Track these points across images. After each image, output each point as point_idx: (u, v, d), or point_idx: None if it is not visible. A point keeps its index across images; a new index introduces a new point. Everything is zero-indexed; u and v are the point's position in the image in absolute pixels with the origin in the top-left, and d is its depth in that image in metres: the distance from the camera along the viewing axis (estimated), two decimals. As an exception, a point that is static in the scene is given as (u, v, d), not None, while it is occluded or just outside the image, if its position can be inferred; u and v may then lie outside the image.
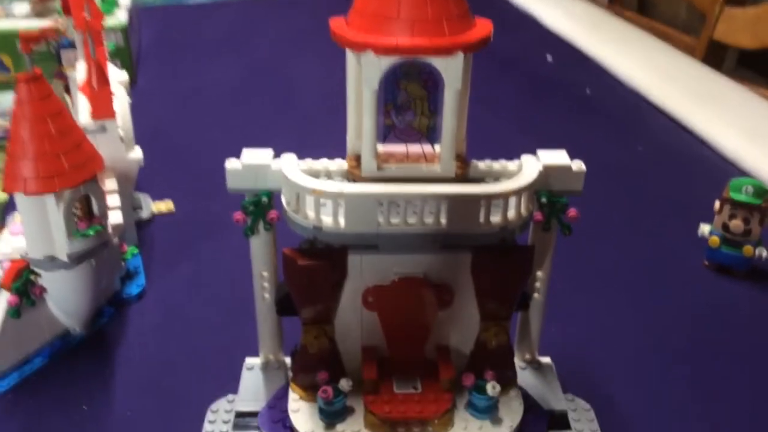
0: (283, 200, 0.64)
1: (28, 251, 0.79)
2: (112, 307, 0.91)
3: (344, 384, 0.66)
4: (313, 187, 0.61)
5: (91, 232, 0.79)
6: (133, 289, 0.93)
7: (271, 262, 0.70)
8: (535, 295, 0.74)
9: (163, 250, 1.03)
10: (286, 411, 0.69)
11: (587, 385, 0.80)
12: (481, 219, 0.61)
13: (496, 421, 0.67)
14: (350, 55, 0.61)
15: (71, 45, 1.15)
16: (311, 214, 0.62)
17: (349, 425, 0.67)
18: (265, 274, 0.71)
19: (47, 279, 0.80)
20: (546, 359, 0.79)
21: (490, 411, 0.67)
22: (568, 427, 0.72)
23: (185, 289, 0.95)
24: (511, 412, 0.68)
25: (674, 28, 2.04)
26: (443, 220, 0.61)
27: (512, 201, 0.63)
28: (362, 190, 0.60)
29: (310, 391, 0.68)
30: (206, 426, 0.72)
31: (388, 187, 0.61)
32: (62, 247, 0.78)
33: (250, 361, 0.78)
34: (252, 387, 0.75)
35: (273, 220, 0.66)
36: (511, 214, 0.63)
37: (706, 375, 0.84)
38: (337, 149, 0.68)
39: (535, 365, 0.78)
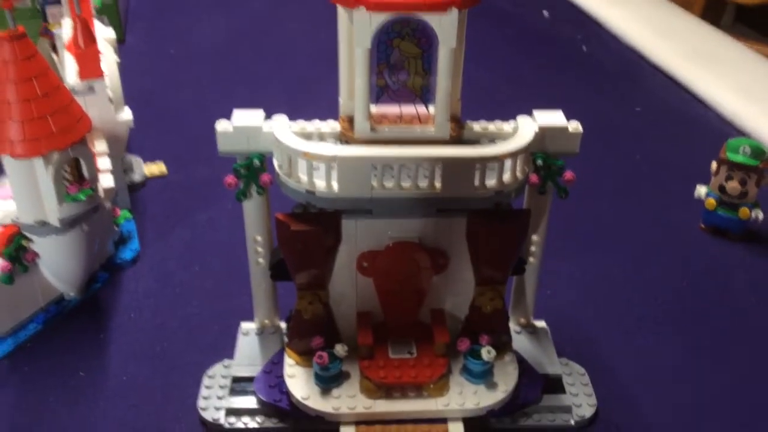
0: (275, 164, 0.63)
1: (18, 216, 0.78)
2: (107, 272, 0.90)
3: (339, 349, 0.66)
4: (305, 150, 0.59)
5: (82, 196, 0.78)
6: (127, 253, 0.93)
7: (264, 226, 0.69)
8: (531, 259, 0.73)
9: (157, 213, 1.02)
10: (281, 376, 0.69)
11: (582, 349, 0.80)
12: (476, 182, 0.60)
13: (491, 385, 0.68)
14: (341, 12, 0.59)
15: (56, 1, 1.12)
16: (304, 177, 0.61)
17: (345, 390, 0.67)
18: (259, 238, 0.70)
19: (39, 244, 0.79)
20: (541, 323, 0.79)
21: (485, 376, 0.68)
22: (563, 391, 0.73)
23: (180, 253, 0.94)
24: (506, 377, 0.69)
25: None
26: (438, 184, 0.60)
27: (508, 164, 0.62)
28: (355, 153, 0.59)
29: (305, 356, 0.68)
30: (203, 391, 0.72)
31: (382, 150, 0.59)
32: (53, 212, 0.77)
33: (245, 326, 0.77)
34: (248, 352, 0.75)
35: (266, 183, 0.65)
36: (507, 177, 0.62)
37: (701, 338, 0.84)
38: (330, 110, 0.67)
39: (530, 329, 0.78)
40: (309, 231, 0.62)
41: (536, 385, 0.72)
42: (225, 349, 0.76)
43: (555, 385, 0.73)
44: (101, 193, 0.82)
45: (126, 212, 0.99)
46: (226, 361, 0.75)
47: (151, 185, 1.08)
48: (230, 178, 0.65)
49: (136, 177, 1.07)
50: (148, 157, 1.12)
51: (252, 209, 0.68)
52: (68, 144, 0.75)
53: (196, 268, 0.92)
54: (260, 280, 0.73)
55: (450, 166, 0.59)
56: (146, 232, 0.98)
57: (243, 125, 0.63)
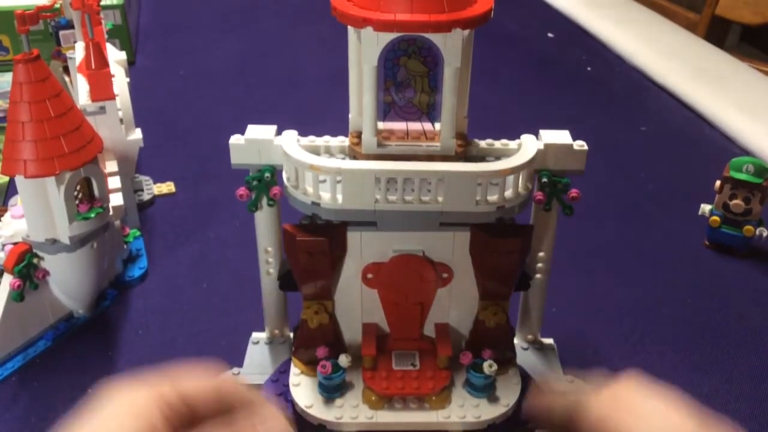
0: (284, 176, 0.65)
1: (29, 234, 0.79)
2: (115, 289, 0.91)
3: (343, 359, 0.66)
4: (311, 162, 0.61)
5: (93, 215, 0.79)
6: (136, 271, 0.94)
7: (275, 238, 0.71)
8: (537, 275, 0.74)
9: (165, 232, 1.03)
10: (288, 384, 0.69)
11: (589, 366, 0.80)
12: (479, 197, 0.61)
13: (493, 399, 0.68)
14: (351, 32, 0.61)
15: (69, 24, 1.15)
16: (310, 189, 0.62)
17: (348, 400, 0.67)
18: (270, 249, 0.71)
19: (50, 262, 0.80)
20: (548, 340, 0.79)
21: (487, 389, 0.68)
22: (568, 407, 0.73)
23: (188, 270, 0.95)
24: (509, 391, 0.69)
25: (676, 3, 2.02)
26: (440, 198, 0.61)
27: (510, 180, 0.62)
28: (359, 166, 0.61)
29: (310, 365, 0.69)
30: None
31: (386, 164, 0.61)
32: (64, 230, 0.78)
33: (255, 335, 0.79)
34: (257, 360, 0.76)
35: (276, 195, 0.67)
36: (509, 193, 0.63)
37: (707, 355, 0.84)
38: (339, 129, 0.68)
39: (537, 346, 0.79)
40: (314, 241, 0.63)
41: (541, 401, 0.72)
42: (232, 364, 0.76)
43: (560, 401, 0.73)
44: (111, 212, 0.83)
45: (135, 230, 1.00)
46: (236, 369, 0.75)
47: (159, 204, 1.09)
48: (242, 190, 0.67)
49: (145, 196, 1.09)
50: (157, 177, 1.13)
51: (263, 221, 0.70)
52: (80, 164, 0.76)
53: (203, 285, 0.93)
54: (270, 290, 0.74)
55: (452, 180, 0.60)
56: (154, 250, 0.99)
57: (254, 138, 0.65)
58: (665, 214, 1.09)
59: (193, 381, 0.44)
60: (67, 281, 0.83)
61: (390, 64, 0.60)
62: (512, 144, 0.67)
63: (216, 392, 0.44)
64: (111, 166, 0.92)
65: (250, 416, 0.44)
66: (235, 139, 0.65)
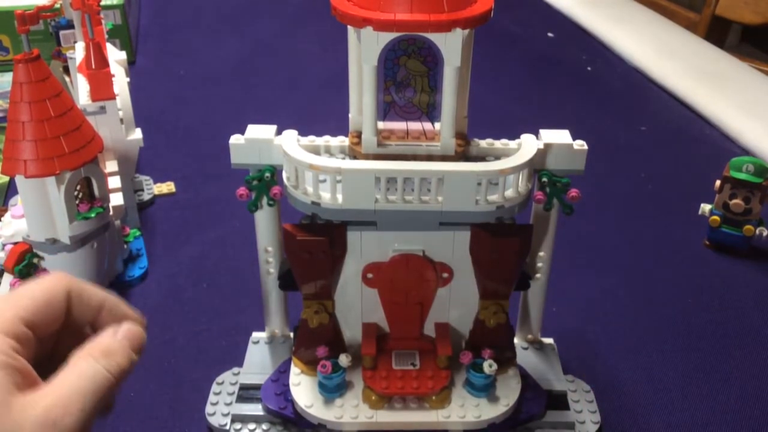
0: (284, 176, 0.65)
1: (30, 234, 0.79)
2: (115, 289, 0.91)
3: (343, 359, 0.67)
4: (311, 162, 0.61)
5: (93, 215, 0.79)
6: (136, 271, 0.94)
7: (275, 237, 0.71)
8: (537, 275, 0.74)
9: (165, 231, 1.03)
10: (288, 384, 0.70)
11: (589, 366, 0.80)
12: (478, 197, 0.61)
13: (493, 399, 0.68)
14: (351, 31, 0.61)
15: (69, 24, 1.15)
16: (310, 189, 0.62)
17: (348, 400, 0.68)
18: (270, 249, 0.71)
19: (50, 261, 0.80)
20: (549, 340, 0.80)
21: (487, 389, 0.68)
22: (567, 407, 0.73)
23: (188, 270, 0.95)
24: (509, 391, 0.69)
25: (676, 3, 2.02)
26: (440, 198, 0.61)
27: (510, 179, 0.62)
28: (359, 166, 0.61)
29: (311, 365, 0.69)
30: (211, 397, 0.73)
31: (385, 164, 0.61)
32: (64, 230, 0.78)
33: (255, 335, 0.79)
34: (257, 360, 0.76)
35: (276, 195, 0.67)
36: (509, 192, 0.63)
37: (707, 355, 0.84)
38: (339, 130, 0.68)
39: (537, 346, 0.79)
40: (314, 241, 0.63)
41: (539, 401, 0.72)
42: (232, 364, 0.77)
43: (560, 401, 0.73)
44: (111, 212, 0.83)
45: (135, 230, 1.00)
46: (236, 369, 0.76)
47: (159, 204, 1.09)
48: (242, 190, 0.67)
49: (145, 196, 1.09)
50: (157, 177, 1.13)
51: (263, 220, 0.70)
52: (80, 164, 0.76)
53: (204, 285, 0.93)
54: (270, 289, 0.74)
55: (452, 180, 0.60)
56: (155, 249, 0.99)
57: (254, 138, 0.65)
58: (665, 214, 1.09)
59: (33, 303, 0.43)
60: (67, 281, 0.83)
61: (390, 63, 0.60)
62: (512, 144, 0.67)
63: (51, 308, 0.43)
64: (111, 165, 0.92)
65: (108, 320, 0.45)
66: (235, 139, 0.65)
